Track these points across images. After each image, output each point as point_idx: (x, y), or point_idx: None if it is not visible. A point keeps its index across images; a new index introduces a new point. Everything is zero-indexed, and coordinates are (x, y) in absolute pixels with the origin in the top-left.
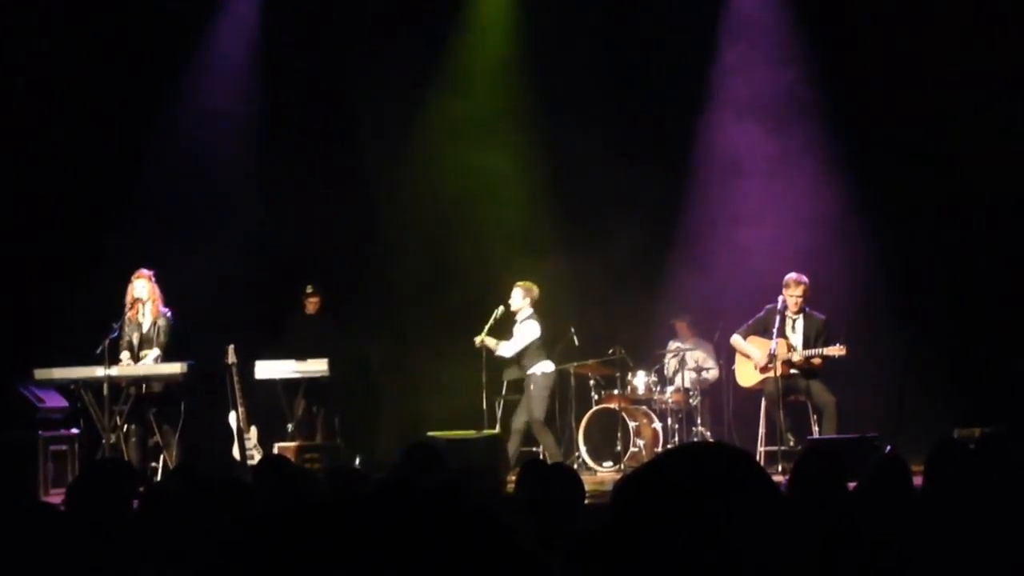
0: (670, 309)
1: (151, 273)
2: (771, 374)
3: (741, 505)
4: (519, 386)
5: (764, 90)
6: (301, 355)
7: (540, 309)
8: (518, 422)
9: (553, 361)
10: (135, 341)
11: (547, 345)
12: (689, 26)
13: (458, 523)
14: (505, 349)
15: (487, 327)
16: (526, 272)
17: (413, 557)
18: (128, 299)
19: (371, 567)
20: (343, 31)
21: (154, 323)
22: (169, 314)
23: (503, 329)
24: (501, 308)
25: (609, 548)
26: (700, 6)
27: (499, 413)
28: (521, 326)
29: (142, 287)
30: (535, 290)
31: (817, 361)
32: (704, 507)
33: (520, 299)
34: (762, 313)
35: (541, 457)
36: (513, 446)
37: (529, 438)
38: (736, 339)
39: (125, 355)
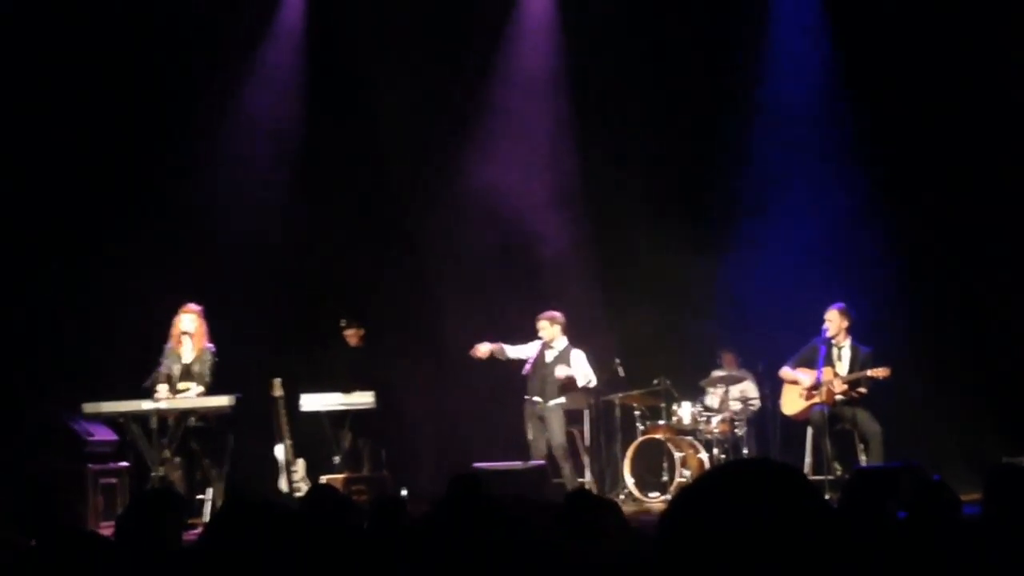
0: (713, 338)
1: (200, 309)
2: (817, 399)
3: (791, 518)
4: (567, 414)
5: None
6: (346, 388)
7: (579, 339)
8: (541, 451)
9: (600, 392)
10: (175, 373)
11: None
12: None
13: (513, 555)
14: (582, 378)
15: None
16: (567, 303)
17: None
18: (174, 332)
19: None
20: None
21: (197, 358)
22: (214, 349)
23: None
24: (540, 340)
25: (661, 566)
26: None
27: None
28: (572, 355)
29: (190, 321)
30: (559, 316)
31: (863, 389)
32: (754, 521)
33: (550, 329)
34: (807, 347)
35: (587, 487)
36: None
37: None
38: (785, 370)
39: (163, 387)
